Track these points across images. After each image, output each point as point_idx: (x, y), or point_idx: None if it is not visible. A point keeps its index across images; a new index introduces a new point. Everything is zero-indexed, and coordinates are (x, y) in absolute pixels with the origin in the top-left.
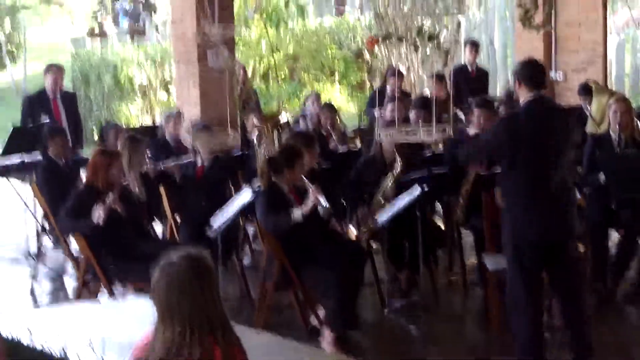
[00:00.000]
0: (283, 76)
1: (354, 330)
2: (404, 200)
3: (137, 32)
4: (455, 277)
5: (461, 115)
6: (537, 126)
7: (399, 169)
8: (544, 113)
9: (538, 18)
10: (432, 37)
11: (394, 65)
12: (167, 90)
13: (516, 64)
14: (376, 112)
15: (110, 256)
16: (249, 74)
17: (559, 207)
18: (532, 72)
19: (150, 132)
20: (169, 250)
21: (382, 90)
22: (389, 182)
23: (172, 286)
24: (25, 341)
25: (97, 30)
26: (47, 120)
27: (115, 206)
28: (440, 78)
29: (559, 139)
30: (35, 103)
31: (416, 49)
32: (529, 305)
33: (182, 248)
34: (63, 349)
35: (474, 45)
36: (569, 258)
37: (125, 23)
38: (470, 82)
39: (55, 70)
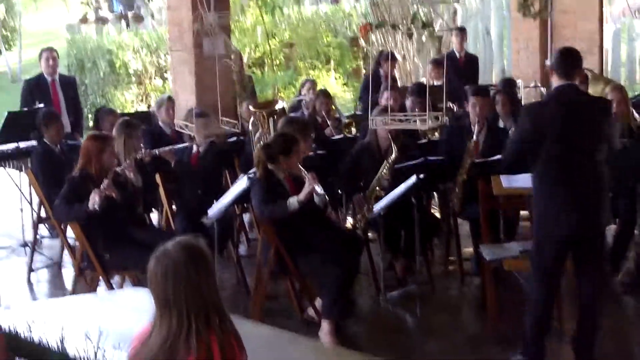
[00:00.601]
0: (278, 63)
1: (349, 319)
2: (400, 188)
3: (135, 19)
4: (451, 267)
5: (452, 106)
6: (565, 113)
7: (394, 157)
8: (573, 100)
9: (535, 6)
10: (426, 25)
11: (391, 51)
12: (163, 77)
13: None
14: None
15: (106, 244)
16: (245, 60)
17: (591, 200)
18: (564, 61)
19: (145, 118)
20: (164, 238)
21: (375, 75)
22: (384, 169)
23: (168, 275)
24: (24, 333)
25: (90, 17)
26: (42, 105)
27: (110, 192)
28: (437, 63)
29: (589, 128)
30: (34, 87)
31: (410, 36)
32: (538, 301)
33: (177, 236)
34: (60, 340)
35: (462, 32)
36: (597, 255)
37: (120, 9)
38: (459, 69)
39: (48, 53)
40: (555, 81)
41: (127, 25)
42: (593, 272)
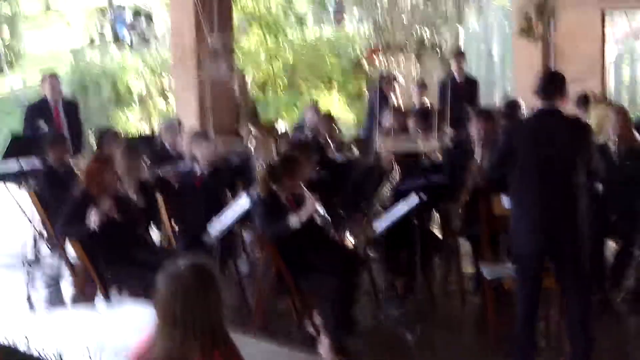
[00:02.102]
0: (281, 85)
1: (351, 337)
2: (401, 208)
3: (140, 43)
4: (452, 285)
5: (447, 130)
6: (537, 134)
7: (396, 178)
8: (547, 122)
9: (537, 29)
10: (435, 47)
11: (392, 74)
12: (166, 99)
13: None
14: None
15: (107, 263)
16: (248, 83)
17: (560, 217)
18: (543, 83)
19: (149, 140)
20: (165, 258)
21: (377, 97)
22: (386, 190)
23: (177, 295)
24: (22, 347)
25: (97, 40)
26: (46, 129)
27: (110, 211)
28: (422, 85)
29: (561, 148)
30: (37, 111)
31: (419, 58)
32: (523, 312)
33: (187, 257)
34: (59, 355)
35: (461, 55)
36: (575, 269)
37: (125, 32)
38: (459, 92)
39: (51, 78)
40: (538, 104)
41: (131, 46)
42: (576, 290)
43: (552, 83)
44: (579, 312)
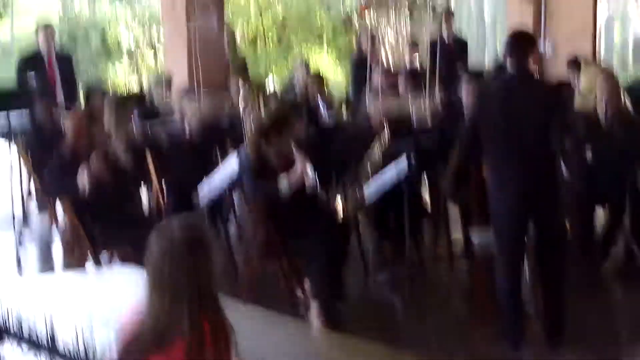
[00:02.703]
0: (271, 40)
1: (339, 302)
2: (391, 171)
3: None
4: (441, 250)
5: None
6: (507, 101)
7: (386, 140)
8: (517, 87)
9: None
10: (427, 5)
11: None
12: (155, 52)
13: None
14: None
15: (96, 222)
16: (237, 37)
17: (533, 179)
18: (511, 46)
19: (137, 98)
20: (154, 215)
21: (359, 57)
22: (376, 153)
23: (167, 256)
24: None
25: None
26: (34, 83)
27: (100, 169)
28: (414, 45)
29: (531, 114)
30: (29, 63)
31: (411, 16)
32: (505, 279)
33: (181, 216)
34: (49, 317)
35: (450, 15)
36: (550, 232)
37: None
38: (448, 52)
39: (45, 29)
40: (508, 64)
41: None
42: (552, 254)
43: (519, 44)
44: (554, 277)
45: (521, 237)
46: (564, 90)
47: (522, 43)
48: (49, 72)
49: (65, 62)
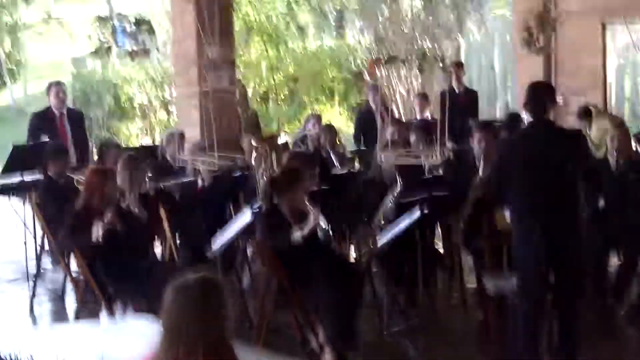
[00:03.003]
0: (283, 97)
1: (353, 351)
2: (403, 222)
3: (141, 53)
4: (455, 300)
5: (449, 143)
6: (529, 151)
7: (398, 190)
8: (538, 136)
9: (539, 41)
10: (437, 59)
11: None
12: (167, 111)
13: None
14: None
15: (109, 276)
16: (249, 94)
17: (561, 228)
18: (531, 96)
19: (150, 152)
20: (168, 272)
21: (367, 111)
22: (388, 203)
23: (184, 308)
24: None
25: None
26: (47, 139)
27: (113, 224)
28: (423, 97)
29: (554, 160)
30: (40, 121)
31: (421, 71)
32: (524, 329)
33: (196, 270)
34: None
35: (459, 66)
36: (571, 281)
37: (126, 43)
38: (458, 104)
39: (58, 87)
40: (528, 117)
41: (132, 59)
42: (569, 301)
43: (539, 94)
44: (568, 323)
45: (544, 283)
46: (582, 136)
47: (542, 92)
48: (60, 128)
49: (76, 118)
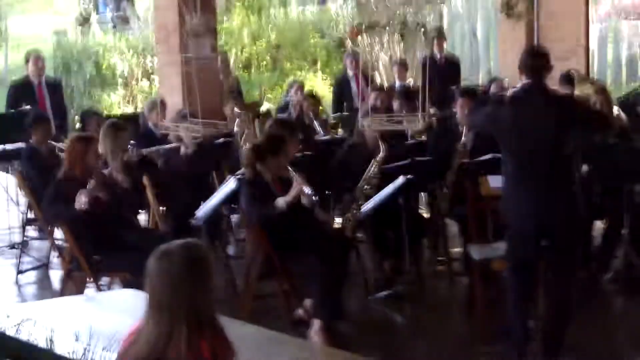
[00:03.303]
0: (265, 65)
1: (339, 319)
2: (387, 189)
3: (121, 21)
4: (440, 267)
5: (431, 110)
6: (520, 112)
7: (382, 156)
8: (534, 101)
9: (519, 7)
10: (418, 27)
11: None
12: (149, 79)
13: None
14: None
15: (94, 245)
16: (231, 62)
17: (552, 195)
18: (526, 60)
19: (132, 120)
20: (153, 239)
21: (344, 79)
22: (372, 170)
23: (166, 278)
24: (11, 332)
25: (82, 20)
26: (28, 107)
27: (97, 193)
28: (402, 64)
29: (547, 125)
30: (20, 90)
31: (402, 37)
32: (515, 294)
33: (179, 239)
34: (49, 341)
35: (440, 34)
36: (566, 247)
37: (107, 11)
38: (440, 71)
39: (35, 56)
40: (522, 80)
41: (114, 26)
42: (564, 269)
43: (537, 58)
44: (559, 294)
45: (535, 250)
46: (577, 101)
47: (539, 57)
48: (39, 98)
49: (54, 87)
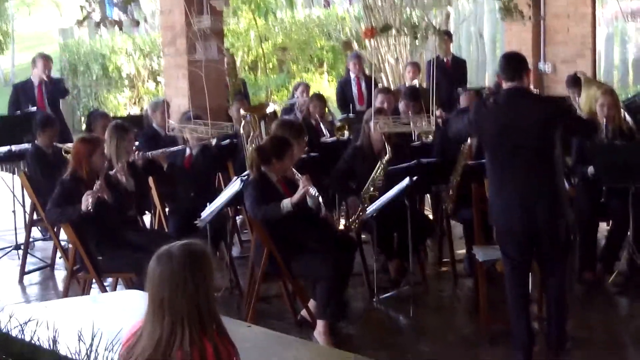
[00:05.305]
0: (271, 67)
1: (343, 320)
2: (393, 190)
3: (130, 23)
4: (444, 268)
5: (437, 111)
6: (501, 115)
7: (387, 158)
8: (515, 103)
9: (526, 9)
10: (426, 28)
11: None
12: (156, 81)
13: None
14: None
15: (99, 246)
16: (238, 64)
17: (534, 198)
18: (505, 65)
19: (138, 121)
20: (157, 240)
21: (347, 81)
22: (378, 171)
23: (167, 279)
24: (15, 333)
25: (85, 22)
26: (34, 109)
27: (103, 194)
28: (416, 65)
29: (530, 128)
30: (20, 91)
31: (415, 39)
32: (513, 294)
33: (172, 239)
34: (53, 341)
35: (447, 35)
36: (553, 245)
37: (114, 13)
38: (446, 72)
39: (43, 59)
40: (503, 85)
41: (120, 29)
42: (555, 267)
43: (512, 64)
44: (554, 291)
45: (526, 252)
46: (562, 101)
47: (516, 60)
48: (38, 97)
49: (55, 84)
